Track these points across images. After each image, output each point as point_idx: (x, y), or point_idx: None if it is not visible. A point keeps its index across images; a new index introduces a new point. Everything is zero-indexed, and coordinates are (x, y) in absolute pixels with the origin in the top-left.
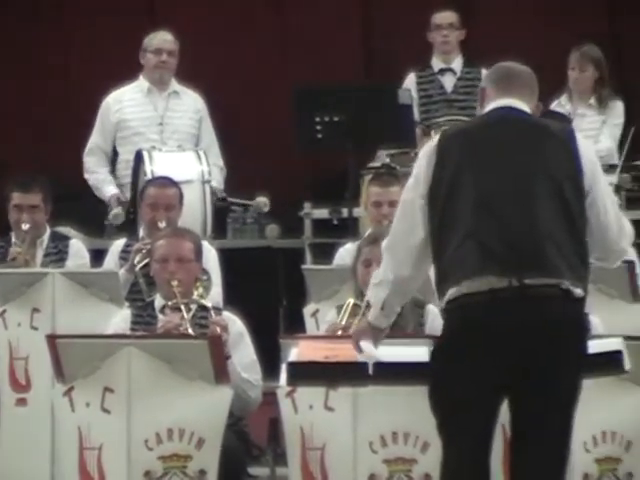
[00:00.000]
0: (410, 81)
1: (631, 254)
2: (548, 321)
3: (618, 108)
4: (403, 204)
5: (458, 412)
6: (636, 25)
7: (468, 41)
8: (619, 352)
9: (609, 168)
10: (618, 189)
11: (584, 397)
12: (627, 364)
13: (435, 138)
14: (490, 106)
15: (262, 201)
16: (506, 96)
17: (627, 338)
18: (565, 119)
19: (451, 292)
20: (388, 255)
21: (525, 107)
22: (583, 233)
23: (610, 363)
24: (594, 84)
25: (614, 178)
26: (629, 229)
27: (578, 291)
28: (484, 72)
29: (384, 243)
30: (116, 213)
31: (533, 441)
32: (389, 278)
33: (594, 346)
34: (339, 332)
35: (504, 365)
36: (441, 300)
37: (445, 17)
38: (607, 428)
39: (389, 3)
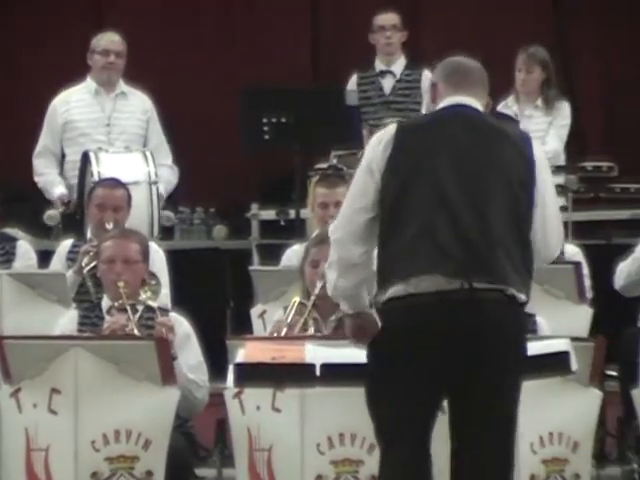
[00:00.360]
0: (353, 82)
1: (578, 255)
2: (493, 325)
3: (565, 109)
4: (353, 185)
5: (399, 415)
6: (582, 26)
7: (411, 42)
8: (566, 353)
9: (555, 169)
10: (564, 190)
11: (531, 398)
12: (574, 365)
13: (391, 127)
14: (443, 103)
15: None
16: (458, 93)
17: (574, 339)
18: (512, 120)
19: (396, 289)
20: (333, 237)
21: (478, 105)
22: (529, 239)
23: (557, 364)
24: (541, 85)
25: (560, 179)
26: (561, 236)
27: (522, 297)
28: (425, 74)
29: (330, 227)
30: (50, 214)
31: (475, 445)
32: (334, 259)
33: (541, 347)
34: (284, 330)
35: (446, 368)
36: (380, 295)
37: (388, 19)
38: (554, 429)
39: (337, 4)
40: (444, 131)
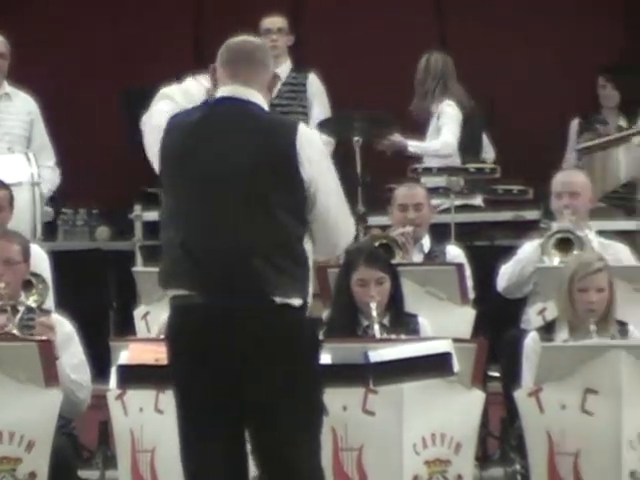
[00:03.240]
0: None
1: (460, 257)
2: (260, 337)
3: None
4: None
5: (191, 416)
6: (464, 30)
7: (298, 45)
8: (448, 354)
9: (438, 171)
10: (447, 192)
11: (414, 399)
12: (456, 366)
13: (162, 121)
14: (219, 92)
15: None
16: (233, 81)
17: (456, 340)
18: None
19: (170, 291)
20: None
21: (253, 94)
22: (298, 241)
23: (439, 365)
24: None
25: (443, 181)
26: (353, 226)
27: (294, 301)
28: (311, 77)
29: None
30: None
31: (267, 455)
32: None
33: (422, 348)
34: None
35: (224, 384)
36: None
37: (274, 22)
38: (437, 430)
39: (221, 5)
40: (207, 131)
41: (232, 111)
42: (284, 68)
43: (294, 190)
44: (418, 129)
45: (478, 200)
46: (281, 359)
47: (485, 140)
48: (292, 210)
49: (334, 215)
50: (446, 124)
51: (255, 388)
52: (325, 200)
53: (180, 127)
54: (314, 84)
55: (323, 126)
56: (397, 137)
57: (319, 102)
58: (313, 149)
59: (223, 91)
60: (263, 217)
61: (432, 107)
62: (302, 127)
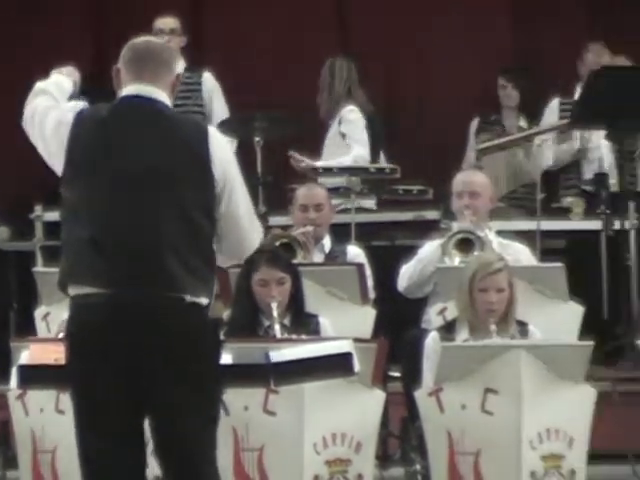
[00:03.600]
0: None
1: (360, 257)
2: (169, 335)
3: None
4: None
5: (91, 415)
6: (366, 33)
7: (193, 45)
8: (349, 354)
9: (338, 171)
10: (347, 192)
11: (314, 399)
12: (356, 366)
13: (69, 115)
14: (124, 92)
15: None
16: (138, 80)
17: (356, 340)
18: None
19: (72, 290)
20: None
21: (159, 94)
22: (208, 241)
23: (340, 365)
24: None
25: (343, 181)
26: (260, 229)
27: (203, 300)
28: (206, 76)
29: None
30: None
31: (170, 454)
32: None
33: (323, 348)
34: None
35: (127, 382)
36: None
37: (167, 22)
38: (337, 430)
39: (120, 4)
40: (118, 128)
41: (142, 109)
42: (178, 67)
43: (207, 189)
44: (321, 131)
45: (370, 203)
46: (188, 358)
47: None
48: (205, 210)
49: (244, 216)
50: (353, 136)
51: (160, 387)
52: (235, 200)
53: (89, 124)
54: (209, 82)
55: (224, 126)
56: (306, 161)
57: (218, 100)
58: (223, 149)
59: (129, 90)
60: (177, 216)
61: (334, 111)
62: (210, 127)
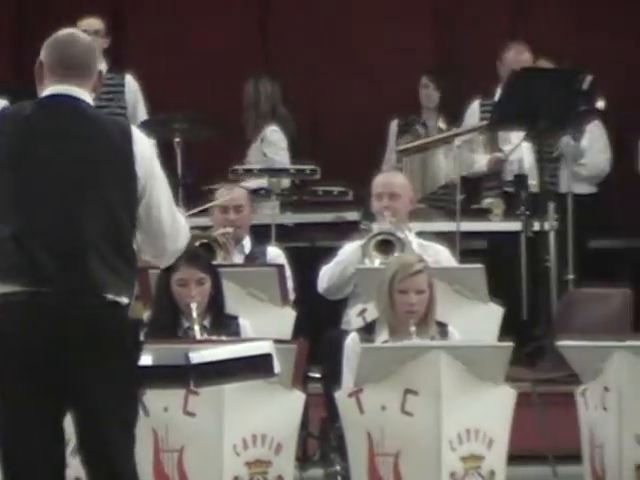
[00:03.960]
0: None
1: (281, 258)
2: (92, 334)
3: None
4: None
5: (10, 416)
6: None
7: (115, 47)
8: (269, 355)
9: (259, 172)
10: (268, 193)
11: (235, 400)
12: (277, 367)
13: None
14: (47, 91)
15: None
16: (61, 79)
17: (276, 341)
18: None
19: None
20: None
21: (81, 93)
22: (130, 240)
23: (260, 366)
24: None
25: (264, 182)
26: (185, 230)
27: (123, 300)
28: (128, 77)
29: None
30: None
31: (89, 454)
32: None
33: (243, 349)
34: None
35: (47, 381)
36: None
37: (91, 24)
38: (257, 431)
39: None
40: (42, 127)
41: (65, 108)
42: (100, 67)
43: (130, 188)
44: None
45: (298, 201)
46: (108, 357)
47: None
48: (128, 209)
49: (165, 215)
50: (273, 157)
51: (79, 386)
52: (157, 198)
53: (13, 121)
54: (131, 85)
55: (144, 127)
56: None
57: (139, 102)
58: (145, 148)
59: (53, 89)
60: (101, 214)
61: (259, 129)
62: (133, 127)
